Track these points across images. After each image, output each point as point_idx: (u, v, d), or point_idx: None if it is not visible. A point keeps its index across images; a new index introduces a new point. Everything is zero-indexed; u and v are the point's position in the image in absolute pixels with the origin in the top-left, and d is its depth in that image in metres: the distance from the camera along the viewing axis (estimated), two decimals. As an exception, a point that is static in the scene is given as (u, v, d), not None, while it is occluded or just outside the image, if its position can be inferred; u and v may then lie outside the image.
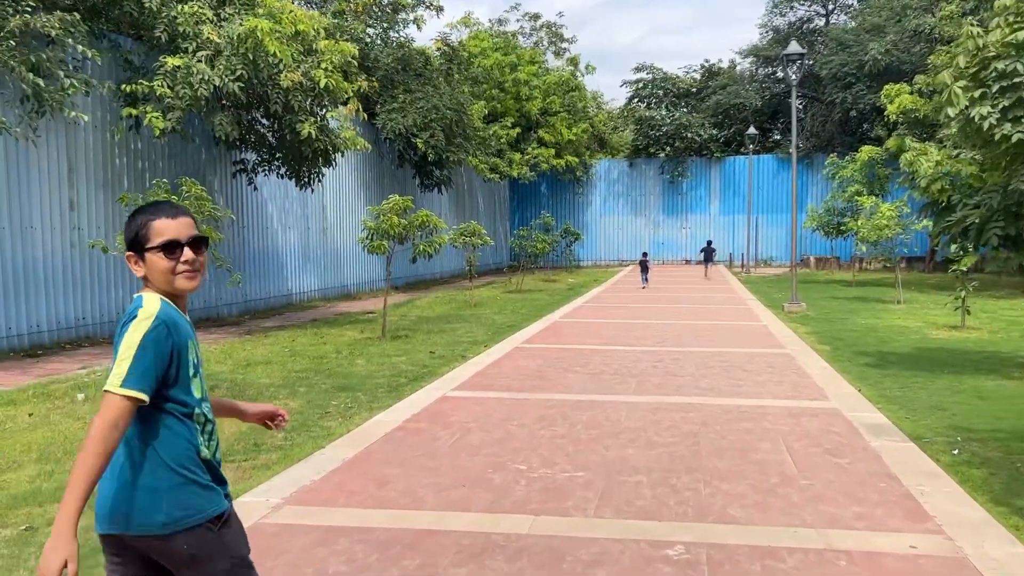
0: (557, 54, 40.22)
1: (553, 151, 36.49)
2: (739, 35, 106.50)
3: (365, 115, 16.85)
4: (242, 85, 13.00)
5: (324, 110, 14.25)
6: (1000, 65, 8.56)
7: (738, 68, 45.12)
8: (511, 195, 42.18)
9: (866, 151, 28.65)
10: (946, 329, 14.16)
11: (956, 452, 6.26)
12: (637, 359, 10.84)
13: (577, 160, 38.33)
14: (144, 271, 2.26)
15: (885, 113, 27.38)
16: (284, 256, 19.47)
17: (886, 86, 27.39)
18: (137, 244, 2.25)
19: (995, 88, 8.66)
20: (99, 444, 2.01)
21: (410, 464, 5.87)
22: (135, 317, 2.12)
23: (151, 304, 2.16)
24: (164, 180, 9.46)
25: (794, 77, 17.65)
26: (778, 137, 44.04)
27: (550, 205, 41.57)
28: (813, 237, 35.63)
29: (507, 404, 7.93)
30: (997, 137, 8.61)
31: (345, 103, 14.79)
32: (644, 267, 25.52)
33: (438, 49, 25.59)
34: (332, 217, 21.83)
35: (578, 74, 39.54)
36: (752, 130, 35.27)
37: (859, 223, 21.73)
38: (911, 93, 25.89)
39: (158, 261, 2.23)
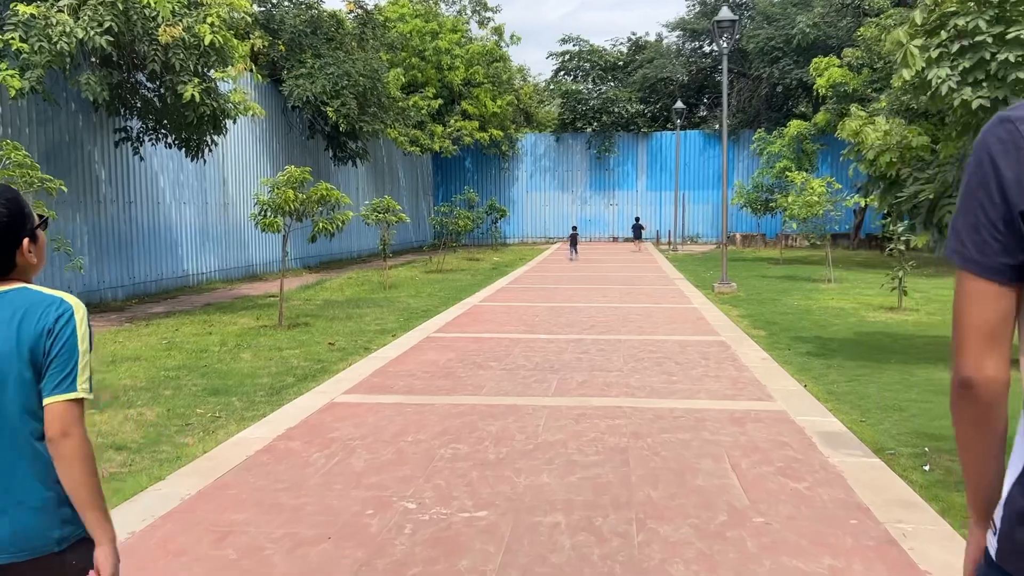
0: (481, 23, 38.69)
1: (477, 124, 35.09)
2: (669, 12, 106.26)
3: (260, 77, 15.27)
4: (111, 39, 11.36)
5: (210, 70, 12.65)
6: (960, 22, 7.66)
7: (665, 42, 44.34)
8: (434, 170, 40.67)
9: (795, 126, 28.17)
10: (883, 311, 13.50)
11: (927, 468, 5.33)
12: (561, 350, 9.75)
13: (502, 134, 37.03)
14: (35, 256, 2.00)
15: (813, 87, 26.90)
16: (179, 234, 17.76)
17: (815, 59, 26.88)
18: (31, 226, 1.98)
19: (954, 48, 7.77)
20: (92, 458, 1.92)
21: (267, 504, 4.62)
22: (71, 314, 1.93)
23: (72, 298, 1.97)
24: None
25: (726, 45, 16.73)
26: (704, 113, 43.53)
27: (475, 181, 40.22)
28: (739, 214, 35.21)
29: (405, 412, 6.72)
30: (956, 103, 7.73)
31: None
32: (573, 241, 27.76)
33: (351, 12, 23.92)
34: (234, 191, 20.12)
35: (503, 44, 38.13)
36: (680, 104, 34.52)
37: (789, 200, 21.10)
38: (840, 66, 25.39)
39: (44, 240, 2.05)
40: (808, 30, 32.14)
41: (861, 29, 24.89)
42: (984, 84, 7.64)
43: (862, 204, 21.42)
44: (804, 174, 22.21)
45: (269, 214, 11.53)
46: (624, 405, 6.93)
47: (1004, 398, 1.38)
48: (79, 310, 1.95)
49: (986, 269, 1.35)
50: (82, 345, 1.92)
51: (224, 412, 6.94)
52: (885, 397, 7.40)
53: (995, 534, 1.41)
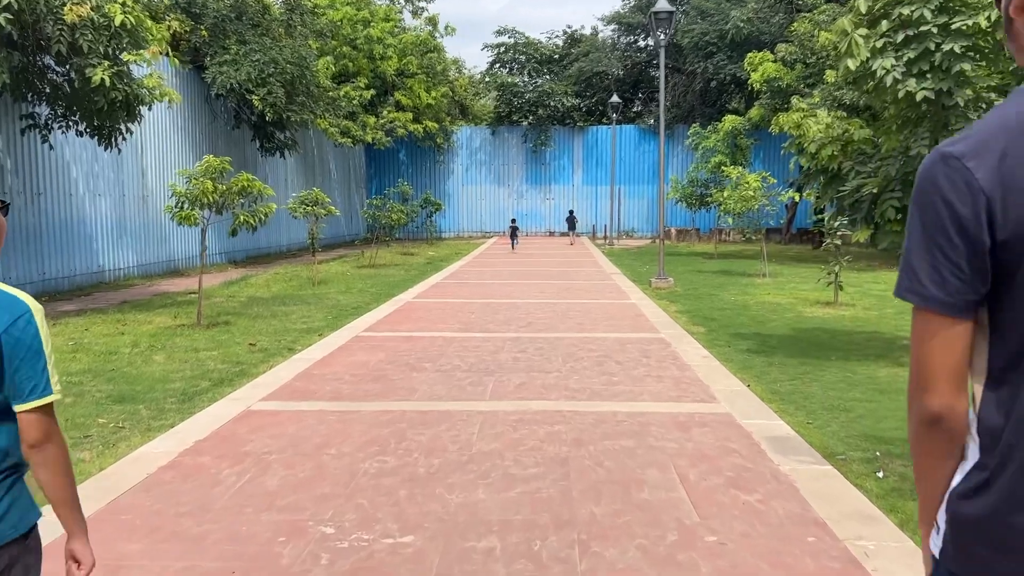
0: (415, 13, 37.96)
1: (411, 116, 34.40)
2: (604, 6, 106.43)
3: (180, 63, 14.46)
4: (11, 17, 10.51)
5: (122, 53, 11.84)
6: (904, 11, 7.48)
7: (600, 36, 44.25)
8: (367, 162, 39.84)
9: (729, 121, 28.29)
10: (819, 306, 13.46)
11: (881, 475, 5.08)
12: (497, 349, 9.34)
13: (437, 126, 36.41)
14: None
15: (748, 82, 27.03)
16: (93, 227, 16.79)
17: (749, 54, 27.00)
18: None
19: (899, 38, 7.60)
20: (69, 458, 1.97)
21: (166, 531, 4.10)
22: (30, 316, 1.89)
23: (28, 297, 1.91)
24: None
25: (663, 37, 16.52)
26: (639, 108, 43.60)
27: (409, 174, 39.52)
28: (674, 208, 35.31)
29: (329, 420, 6.22)
30: (901, 94, 7.55)
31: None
32: (514, 233, 29.36)
33: (278, -4, 23.07)
34: (154, 183, 19.15)
35: (437, 35, 37.48)
36: (615, 98, 34.43)
37: (725, 194, 21.09)
38: (774, 62, 25.55)
39: (4, 225, 2.00)
40: (742, 25, 32.33)
41: (794, 24, 25.07)
42: (928, 75, 7.49)
43: (795, 199, 21.57)
44: (739, 169, 22.25)
45: (186, 206, 10.84)
46: (564, 409, 6.55)
47: (967, 426, 1.41)
48: (37, 312, 1.93)
49: (951, 308, 1.36)
50: (46, 347, 1.93)
51: (129, 422, 6.34)
52: (829, 396, 7.19)
53: (939, 532, 1.44)
